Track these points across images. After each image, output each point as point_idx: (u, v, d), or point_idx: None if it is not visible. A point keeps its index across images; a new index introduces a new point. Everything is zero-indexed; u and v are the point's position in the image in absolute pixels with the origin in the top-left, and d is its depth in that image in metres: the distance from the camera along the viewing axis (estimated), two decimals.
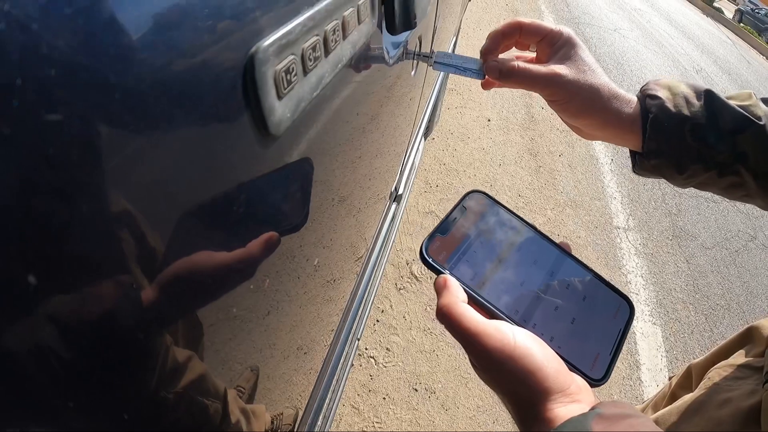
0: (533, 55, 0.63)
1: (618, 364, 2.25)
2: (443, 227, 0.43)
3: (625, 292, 0.44)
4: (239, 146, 0.27)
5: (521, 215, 0.47)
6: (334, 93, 0.43)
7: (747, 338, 0.72)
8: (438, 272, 0.40)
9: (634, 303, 0.44)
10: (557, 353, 0.38)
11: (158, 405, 0.36)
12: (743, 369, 0.66)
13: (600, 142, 3.88)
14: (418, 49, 0.71)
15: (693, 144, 0.56)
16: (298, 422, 0.72)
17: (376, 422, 1.68)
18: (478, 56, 0.61)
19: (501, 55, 0.60)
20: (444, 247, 0.42)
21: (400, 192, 1.10)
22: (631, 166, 0.63)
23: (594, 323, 0.41)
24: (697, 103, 0.57)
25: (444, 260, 0.41)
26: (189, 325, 0.37)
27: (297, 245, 0.54)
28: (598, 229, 3.10)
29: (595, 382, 0.38)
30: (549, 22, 0.60)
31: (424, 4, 0.63)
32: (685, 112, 0.57)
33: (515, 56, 0.60)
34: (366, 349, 1.86)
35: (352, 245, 0.77)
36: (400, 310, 2.08)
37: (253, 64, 0.25)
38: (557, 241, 0.46)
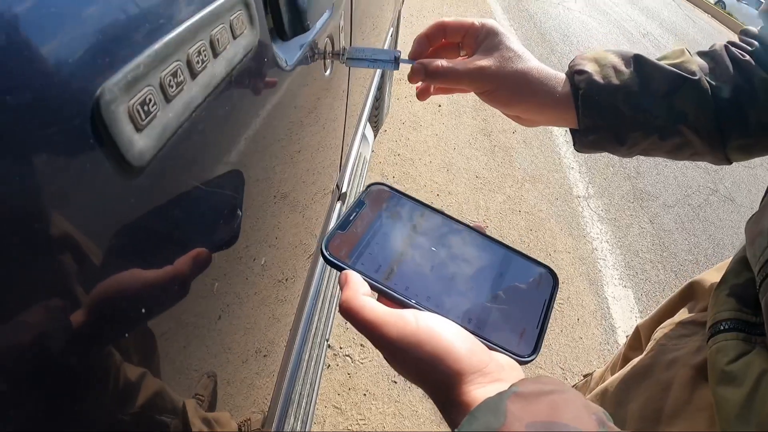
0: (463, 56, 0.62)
1: (593, 330, 2.29)
2: (343, 223, 0.42)
3: (547, 263, 0.43)
4: (102, 184, 0.28)
5: (428, 202, 0.46)
6: (223, 111, 0.43)
7: (689, 294, 0.70)
8: (341, 269, 0.39)
9: (557, 272, 0.43)
10: (478, 335, 0.36)
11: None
12: (688, 326, 0.64)
13: None
14: (331, 48, 0.71)
15: (628, 113, 0.55)
16: (265, 426, 0.71)
17: (360, 419, 1.68)
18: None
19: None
20: (345, 243, 0.41)
21: (343, 190, 1.09)
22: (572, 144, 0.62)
23: (515, 299, 0.40)
24: (626, 70, 0.56)
25: (345, 256, 0.40)
26: (136, 341, 0.36)
27: (242, 246, 0.54)
28: (559, 200, 3.12)
29: (524, 359, 0.37)
30: (473, 17, 0.59)
31: (321, 6, 0.63)
32: (615, 81, 0.56)
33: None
34: (341, 348, 1.85)
35: (302, 242, 0.76)
36: None
37: (99, 106, 0.26)
38: (471, 223, 0.45)
